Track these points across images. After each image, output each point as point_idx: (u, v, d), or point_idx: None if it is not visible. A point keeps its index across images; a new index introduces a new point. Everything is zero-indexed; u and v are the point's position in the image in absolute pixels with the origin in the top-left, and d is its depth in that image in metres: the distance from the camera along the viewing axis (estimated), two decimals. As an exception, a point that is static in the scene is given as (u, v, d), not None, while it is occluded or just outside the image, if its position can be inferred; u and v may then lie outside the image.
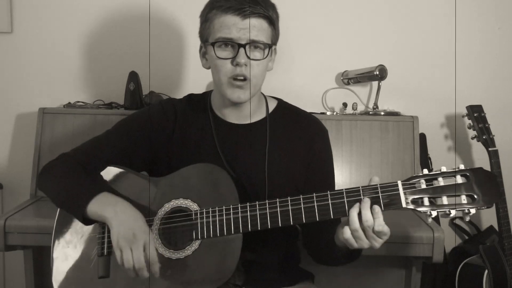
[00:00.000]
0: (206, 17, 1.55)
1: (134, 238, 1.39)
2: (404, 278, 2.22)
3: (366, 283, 2.24)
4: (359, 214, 1.34)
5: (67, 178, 1.53)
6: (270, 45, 1.55)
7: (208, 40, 1.55)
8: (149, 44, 2.41)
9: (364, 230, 1.34)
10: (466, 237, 2.47)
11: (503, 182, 2.17)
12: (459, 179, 1.33)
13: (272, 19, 1.54)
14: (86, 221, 1.47)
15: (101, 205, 1.44)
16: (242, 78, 1.51)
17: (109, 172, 1.57)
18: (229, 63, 1.51)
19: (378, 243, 1.35)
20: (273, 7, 1.56)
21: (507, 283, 2.12)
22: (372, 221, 1.32)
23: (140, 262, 1.39)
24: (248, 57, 1.50)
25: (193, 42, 2.39)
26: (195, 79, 2.42)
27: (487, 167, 2.17)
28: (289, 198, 1.40)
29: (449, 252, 2.41)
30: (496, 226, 2.23)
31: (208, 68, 1.61)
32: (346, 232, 1.35)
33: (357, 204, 1.35)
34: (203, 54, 1.61)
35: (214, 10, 1.52)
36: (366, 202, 1.34)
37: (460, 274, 2.23)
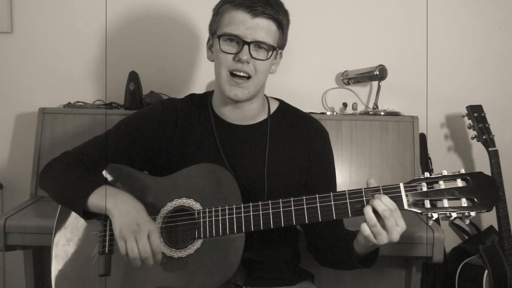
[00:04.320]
0: (218, 11, 1.56)
1: (138, 227, 1.38)
2: (404, 278, 2.22)
3: (366, 283, 2.24)
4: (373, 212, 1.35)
5: (68, 175, 1.53)
6: (275, 48, 1.55)
7: (215, 33, 1.56)
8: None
9: (382, 224, 1.34)
10: (466, 237, 2.48)
11: (503, 182, 2.17)
12: (460, 183, 1.35)
13: (281, 24, 1.54)
14: (87, 215, 1.47)
15: (102, 197, 1.43)
16: (242, 74, 1.51)
17: (110, 171, 1.57)
18: (231, 57, 1.52)
19: (397, 233, 1.35)
20: (285, 12, 1.57)
21: (507, 283, 2.12)
22: (389, 209, 1.33)
23: (146, 251, 1.38)
24: (251, 56, 1.50)
25: (194, 42, 2.39)
26: (196, 79, 2.43)
27: (487, 167, 2.18)
28: (292, 198, 1.40)
29: (449, 252, 2.41)
30: (496, 226, 2.23)
31: (212, 60, 1.61)
32: (365, 230, 1.35)
33: (367, 205, 1.35)
34: (210, 47, 1.62)
35: (226, 4, 1.53)
36: (376, 196, 1.35)
37: (460, 274, 2.23)
